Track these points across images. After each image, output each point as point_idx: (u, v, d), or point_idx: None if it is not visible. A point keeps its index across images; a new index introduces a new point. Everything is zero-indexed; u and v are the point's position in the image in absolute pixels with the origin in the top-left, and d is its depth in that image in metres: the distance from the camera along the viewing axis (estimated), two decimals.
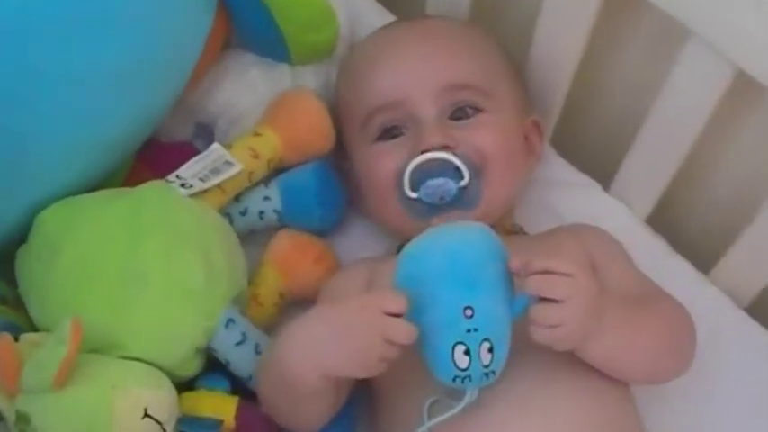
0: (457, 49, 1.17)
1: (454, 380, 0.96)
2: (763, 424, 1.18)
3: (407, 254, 0.99)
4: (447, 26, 1.23)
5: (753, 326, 1.24)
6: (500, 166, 1.13)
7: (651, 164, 1.24)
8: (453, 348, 0.95)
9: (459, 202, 1.12)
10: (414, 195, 1.12)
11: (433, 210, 1.12)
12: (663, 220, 1.30)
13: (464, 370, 0.95)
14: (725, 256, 1.23)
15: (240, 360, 1.08)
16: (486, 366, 0.95)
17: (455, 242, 0.98)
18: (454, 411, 0.97)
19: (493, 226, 1.09)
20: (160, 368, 1.03)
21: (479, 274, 0.97)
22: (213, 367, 1.09)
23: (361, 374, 1.00)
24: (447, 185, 1.11)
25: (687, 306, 1.11)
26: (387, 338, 0.95)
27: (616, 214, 1.28)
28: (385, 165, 1.14)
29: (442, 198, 1.11)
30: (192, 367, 1.06)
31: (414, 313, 0.96)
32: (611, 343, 1.00)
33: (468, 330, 0.94)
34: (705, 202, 1.30)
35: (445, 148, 1.11)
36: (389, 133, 1.15)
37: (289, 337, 1.02)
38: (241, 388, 1.09)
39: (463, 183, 1.11)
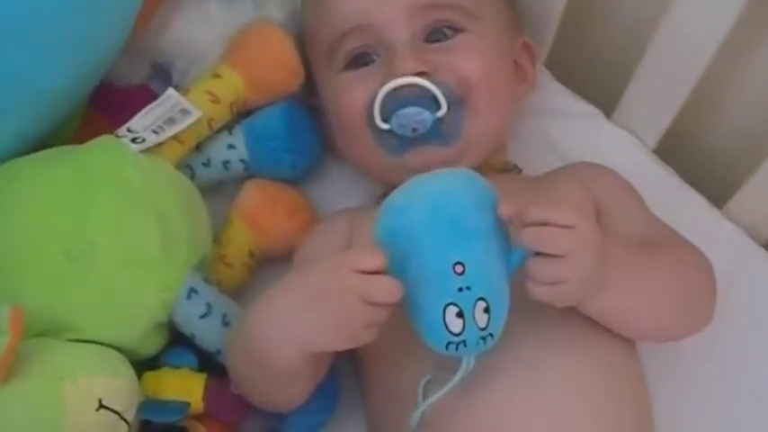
0: None
1: (447, 347, 0.87)
2: None
3: (387, 206, 0.90)
4: None
5: None
6: (485, 95, 1.04)
7: (659, 88, 1.15)
8: (444, 310, 0.86)
9: (437, 135, 1.02)
10: (385, 126, 1.02)
11: (408, 143, 1.03)
12: (673, 151, 1.22)
13: (458, 335, 0.86)
14: (741, 189, 1.16)
15: (206, 333, 1.01)
16: (483, 329, 0.86)
17: (440, 190, 0.89)
18: (451, 385, 0.89)
19: (482, 165, 1.03)
20: (117, 349, 0.97)
21: (469, 226, 0.87)
22: (178, 341, 1.02)
23: (347, 345, 0.90)
24: (421, 115, 1.01)
25: (702, 245, 1.02)
26: (367, 299, 0.86)
27: (621, 145, 1.20)
28: (354, 95, 1.04)
29: (415, 129, 1.02)
30: (153, 344, 1.00)
31: (398, 274, 0.87)
32: (617, 298, 0.93)
33: (460, 289, 0.86)
34: (719, 129, 1.22)
35: (421, 74, 1.01)
36: (359, 61, 1.06)
37: (260, 311, 0.93)
38: (210, 362, 1.01)
39: (440, 113, 1.01)
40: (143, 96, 1.09)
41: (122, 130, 1.02)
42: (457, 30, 1.05)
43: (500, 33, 1.09)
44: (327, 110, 1.10)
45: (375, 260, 0.87)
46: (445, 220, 0.87)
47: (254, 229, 1.10)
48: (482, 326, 0.86)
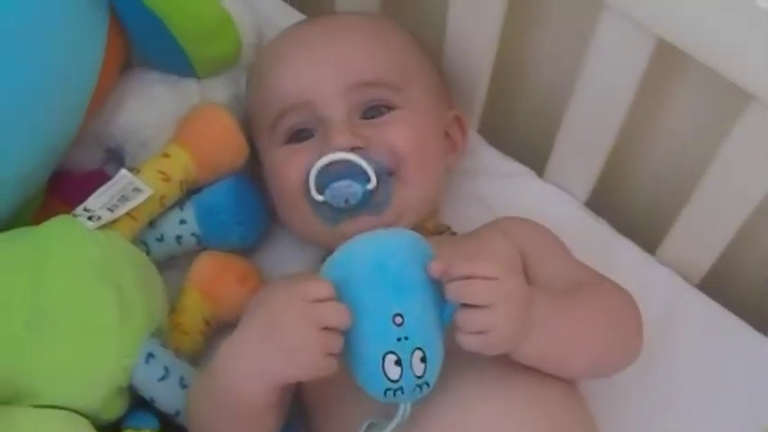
0: (365, 44, 1.12)
1: (386, 393, 0.91)
2: (725, 405, 1.14)
3: (331, 261, 0.95)
4: (355, 21, 1.18)
5: (707, 303, 1.20)
6: (414, 166, 1.09)
7: (583, 144, 1.20)
8: (384, 359, 0.90)
9: (367, 206, 1.07)
10: (320, 198, 1.07)
11: (342, 213, 1.07)
12: (603, 203, 1.26)
13: (395, 381, 0.90)
14: (669, 235, 1.19)
15: (165, 396, 1.03)
16: (420, 377, 0.91)
17: (381, 247, 0.94)
18: (387, 430, 0.93)
19: (416, 228, 1.06)
20: (80, 413, 0.98)
21: (408, 280, 0.92)
22: (140, 406, 1.04)
23: (311, 373, 0.92)
24: (352, 188, 1.06)
25: (638, 289, 1.07)
26: (321, 324, 0.90)
27: (554, 200, 1.24)
28: (292, 167, 1.09)
29: (347, 201, 1.06)
30: (114, 409, 1.02)
31: None
32: (545, 342, 0.96)
33: (399, 339, 0.90)
34: (643, 179, 1.26)
35: (355, 149, 1.06)
36: (299, 135, 1.11)
37: (223, 351, 0.96)
38: (170, 426, 1.04)
39: (370, 185, 1.06)
40: (98, 181, 1.10)
41: (79, 210, 1.06)
42: (391, 107, 1.10)
43: (430, 106, 1.13)
44: (269, 181, 1.14)
45: (323, 287, 0.91)
46: (386, 274, 0.92)
47: (207, 297, 1.13)
48: (419, 374, 0.90)
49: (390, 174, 1.08)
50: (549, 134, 1.22)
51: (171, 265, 1.16)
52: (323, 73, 1.10)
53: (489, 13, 1.14)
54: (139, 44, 1.15)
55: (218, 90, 1.20)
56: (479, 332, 0.91)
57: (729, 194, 1.10)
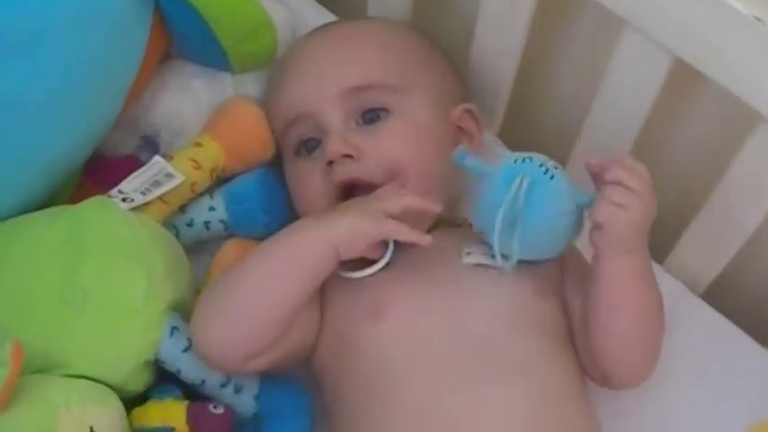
0: (360, 49, 1.15)
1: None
2: (726, 415, 1.16)
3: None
4: (355, 28, 1.21)
5: (710, 312, 1.23)
6: (408, 172, 1.11)
7: (598, 155, 1.19)
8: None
9: None
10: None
11: None
12: None
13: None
14: (676, 247, 1.23)
15: (190, 366, 1.07)
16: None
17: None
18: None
19: (435, 222, 1.11)
20: (108, 385, 1.03)
21: None
22: (165, 381, 1.08)
23: (374, 227, 1.02)
24: None
25: None
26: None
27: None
28: (307, 185, 1.13)
29: None
30: (140, 382, 1.06)
31: None
32: (631, 269, 1.02)
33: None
34: (655, 191, 1.24)
35: (347, 156, 1.09)
36: (307, 145, 1.15)
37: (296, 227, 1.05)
38: (196, 395, 1.08)
39: None
40: (131, 166, 1.14)
41: (113, 192, 1.10)
42: (388, 110, 1.12)
43: (433, 106, 1.14)
44: (289, 184, 1.18)
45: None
46: None
47: None
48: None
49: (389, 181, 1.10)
50: (566, 145, 1.25)
51: (199, 249, 1.19)
52: (319, 82, 1.13)
53: (516, 22, 1.17)
54: (180, 38, 1.19)
55: (251, 85, 1.24)
56: (619, 204, 0.98)
57: (738, 209, 1.13)
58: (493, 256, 1.03)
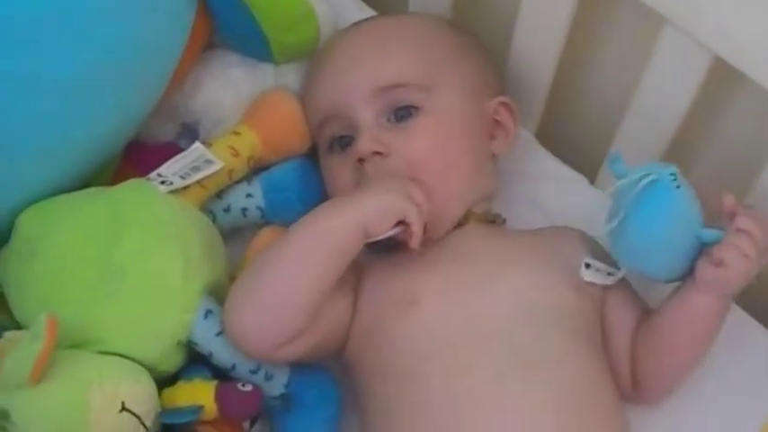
0: (392, 47, 1.16)
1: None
2: (750, 415, 1.15)
3: None
4: (389, 24, 1.22)
5: (739, 314, 1.21)
6: (438, 169, 1.11)
7: (635, 155, 1.18)
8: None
9: None
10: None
11: None
12: None
13: None
14: None
15: (222, 350, 1.07)
16: None
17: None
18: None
19: (465, 215, 1.13)
20: (140, 363, 1.04)
21: None
22: (196, 363, 1.09)
23: (399, 203, 1.03)
24: None
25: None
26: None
27: (604, 208, 1.20)
28: (339, 181, 1.15)
29: None
30: (173, 362, 1.07)
31: None
32: (721, 312, 1.07)
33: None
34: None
35: (376, 154, 1.10)
36: (341, 142, 1.16)
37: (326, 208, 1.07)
38: (227, 379, 1.08)
39: None
40: (170, 153, 1.15)
41: (153, 175, 1.11)
42: (417, 107, 1.12)
43: (466, 99, 1.15)
44: (324, 177, 1.19)
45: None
46: None
47: None
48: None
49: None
50: (603, 143, 1.26)
51: (235, 236, 1.20)
52: (349, 80, 1.14)
53: (557, 19, 1.18)
54: (223, 26, 1.21)
55: (291, 76, 1.25)
56: (744, 254, 1.01)
57: None
58: (609, 274, 1.08)
